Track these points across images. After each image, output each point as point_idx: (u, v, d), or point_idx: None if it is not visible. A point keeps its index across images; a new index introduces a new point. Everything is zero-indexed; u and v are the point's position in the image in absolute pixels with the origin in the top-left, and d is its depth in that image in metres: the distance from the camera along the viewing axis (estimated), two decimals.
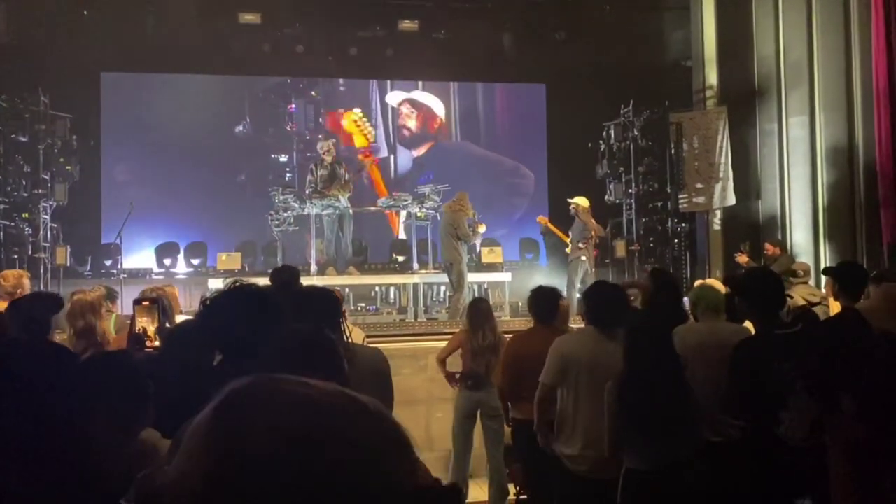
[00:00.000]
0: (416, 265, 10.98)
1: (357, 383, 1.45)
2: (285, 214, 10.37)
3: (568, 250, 10.28)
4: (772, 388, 3.31)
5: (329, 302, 3.00)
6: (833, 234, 10.29)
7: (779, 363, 3.30)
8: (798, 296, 7.35)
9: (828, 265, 8.74)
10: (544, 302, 4.85)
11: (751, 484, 3.43)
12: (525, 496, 5.19)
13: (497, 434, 5.51)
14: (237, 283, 2.39)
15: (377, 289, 11.32)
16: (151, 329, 3.65)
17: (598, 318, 3.96)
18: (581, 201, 10.28)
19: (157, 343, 3.56)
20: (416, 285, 10.47)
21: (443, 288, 10.58)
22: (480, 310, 5.75)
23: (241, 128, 14.27)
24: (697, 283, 5.08)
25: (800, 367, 3.28)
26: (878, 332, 3.38)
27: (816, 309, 6.76)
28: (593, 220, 10.28)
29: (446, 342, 5.96)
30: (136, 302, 3.81)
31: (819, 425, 3.29)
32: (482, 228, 10.00)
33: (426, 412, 6.79)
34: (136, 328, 3.67)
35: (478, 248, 12.38)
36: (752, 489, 3.42)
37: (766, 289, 3.64)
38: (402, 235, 12.86)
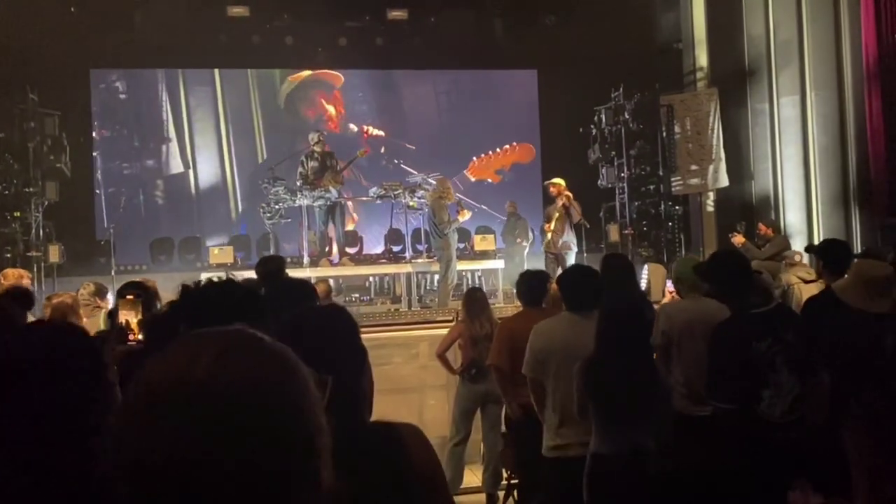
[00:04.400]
0: (409, 254, 10.96)
1: None
2: (277, 207, 10.34)
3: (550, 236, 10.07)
4: (752, 367, 3.30)
5: (304, 290, 3.00)
6: (826, 214, 10.27)
7: (757, 342, 3.29)
8: (793, 275, 7.35)
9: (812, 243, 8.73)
10: (530, 286, 4.84)
11: (736, 463, 3.41)
12: (515, 480, 5.20)
13: (498, 419, 5.49)
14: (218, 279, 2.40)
15: (371, 279, 11.31)
16: (134, 322, 3.68)
17: (575, 303, 3.95)
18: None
19: (139, 336, 3.60)
20: (409, 275, 10.44)
21: (436, 276, 10.56)
22: (477, 299, 5.74)
23: None
24: (678, 259, 5.03)
25: (777, 343, 3.27)
26: (853, 311, 3.37)
27: (812, 286, 6.77)
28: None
29: (441, 333, 5.94)
30: (120, 295, 3.84)
31: (799, 402, 3.28)
32: (463, 217, 9.81)
33: (419, 400, 6.80)
34: (120, 321, 3.70)
35: (472, 237, 12.35)
36: (738, 469, 3.41)
37: (730, 271, 3.62)
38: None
